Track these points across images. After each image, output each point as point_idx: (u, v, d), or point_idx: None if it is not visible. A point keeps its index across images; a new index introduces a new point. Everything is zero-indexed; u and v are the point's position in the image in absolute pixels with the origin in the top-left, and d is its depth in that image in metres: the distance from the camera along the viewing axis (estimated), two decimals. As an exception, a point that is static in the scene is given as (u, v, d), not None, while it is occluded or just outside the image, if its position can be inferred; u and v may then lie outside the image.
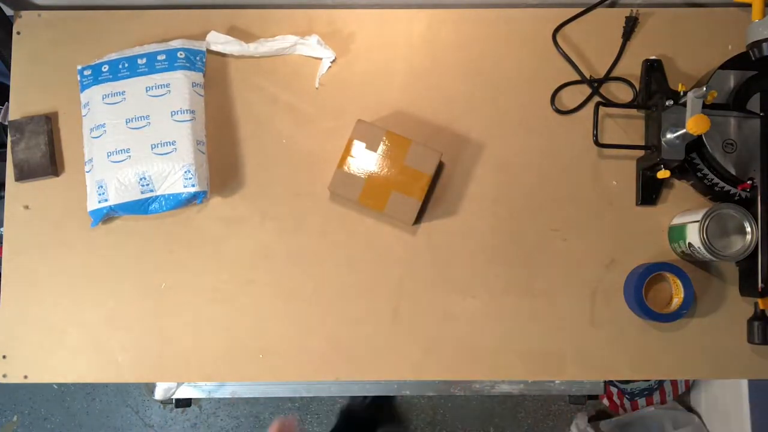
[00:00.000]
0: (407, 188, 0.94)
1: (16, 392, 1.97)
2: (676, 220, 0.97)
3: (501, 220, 0.99)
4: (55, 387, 1.98)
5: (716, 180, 0.93)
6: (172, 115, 0.94)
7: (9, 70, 1.04)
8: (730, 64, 0.94)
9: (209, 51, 1.02)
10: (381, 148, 0.94)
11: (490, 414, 1.96)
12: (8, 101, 1.03)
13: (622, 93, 1.02)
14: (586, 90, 1.02)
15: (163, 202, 0.94)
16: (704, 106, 0.86)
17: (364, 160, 0.94)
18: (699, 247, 0.89)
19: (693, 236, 0.90)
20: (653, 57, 1.00)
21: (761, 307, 0.92)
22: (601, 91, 1.02)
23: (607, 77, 1.02)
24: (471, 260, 0.97)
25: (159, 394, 1.48)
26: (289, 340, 0.96)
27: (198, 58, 0.99)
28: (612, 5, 1.05)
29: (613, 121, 1.00)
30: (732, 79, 0.93)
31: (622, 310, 0.97)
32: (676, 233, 0.95)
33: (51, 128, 1.01)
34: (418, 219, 0.97)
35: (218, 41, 1.01)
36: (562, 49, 1.02)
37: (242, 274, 0.98)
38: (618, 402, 1.77)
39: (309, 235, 0.99)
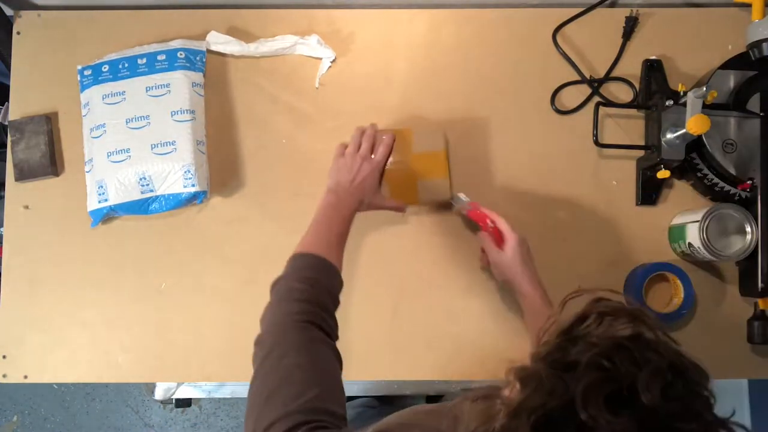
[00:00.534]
0: (429, 172, 0.93)
1: (16, 392, 1.96)
2: (676, 220, 0.97)
3: (501, 220, 0.99)
4: (55, 387, 1.98)
5: (716, 180, 0.93)
6: (172, 115, 0.94)
7: (9, 70, 1.04)
8: (730, 64, 0.94)
9: (209, 51, 1.02)
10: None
11: (490, 414, 1.96)
12: (8, 101, 1.03)
13: (622, 93, 1.02)
14: (586, 90, 1.02)
15: (163, 202, 0.94)
16: (704, 106, 0.86)
17: None
18: (699, 247, 0.89)
19: (693, 236, 0.90)
20: (653, 57, 1.00)
21: (761, 307, 0.92)
22: (601, 91, 1.02)
23: (607, 77, 1.02)
24: (471, 260, 0.97)
25: (159, 394, 1.48)
26: (289, 340, 0.96)
27: (198, 58, 0.99)
28: (612, 5, 1.05)
29: (613, 121, 1.00)
30: (732, 79, 0.93)
31: (622, 310, 0.97)
32: (676, 233, 0.95)
33: (51, 128, 1.01)
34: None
35: (218, 41, 1.01)
36: (562, 49, 1.02)
37: (242, 274, 0.98)
38: (618, 402, 1.78)
39: (309, 235, 0.99)
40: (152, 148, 0.93)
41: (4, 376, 0.96)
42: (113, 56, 0.99)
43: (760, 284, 0.88)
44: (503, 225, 0.87)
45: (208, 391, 1.50)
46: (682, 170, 0.97)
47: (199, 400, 1.95)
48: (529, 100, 1.02)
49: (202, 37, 1.01)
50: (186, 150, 0.93)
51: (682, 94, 0.91)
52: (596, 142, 0.97)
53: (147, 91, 0.95)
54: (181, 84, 0.96)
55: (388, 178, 0.92)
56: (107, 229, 0.99)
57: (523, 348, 0.95)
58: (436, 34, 1.04)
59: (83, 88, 0.99)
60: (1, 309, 0.98)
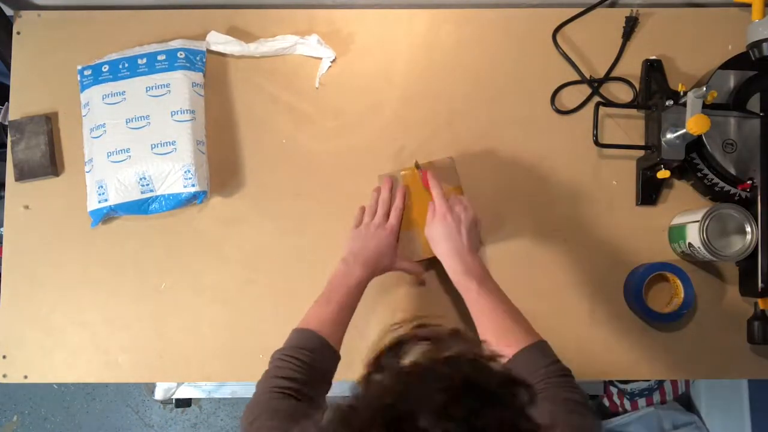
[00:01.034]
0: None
1: (16, 392, 1.96)
2: (676, 220, 0.97)
3: (501, 219, 0.99)
4: (55, 387, 1.98)
5: (716, 180, 0.93)
6: (172, 115, 0.94)
7: (9, 70, 1.04)
8: (730, 64, 0.94)
9: (209, 51, 1.02)
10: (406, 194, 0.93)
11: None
12: (8, 101, 1.03)
13: (622, 93, 1.02)
14: (586, 90, 1.02)
15: (163, 202, 0.94)
16: (704, 106, 0.86)
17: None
18: (699, 247, 0.89)
19: (693, 236, 0.90)
20: (653, 57, 1.00)
21: (761, 307, 0.92)
22: (601, 91, 1.02)
23: (607, 77, 1.02)
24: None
25: (159, 394, 1.48)
26: (289, 340, 0.96)
27: (198, 58, 0.99)
28: (612, 5, 1.05)
29: (613, 121, 1.00)
30: (732, 79, 0.93)
31: (622, 310, 0.97)
32: (676, 233, 0.95)
33: (51, 128, 1.01)
34: None
35: (218, 41, 1.01)
36: (562, 49, 1.02)
37: (242, 274, 0.98)
38: (618, 402, 1.77)
39: (309, 235, 0.99)
40: (152, 148, 0.93)
41: (4, 376, 0.96)
42: (113, 56, 0.99)
43: (760, 284, 0.88)
44: (435, 194, 0.86)
45: (208, 391, 1.51)
46: (682, 170, 0.97)
47: (199, 400, 1.95)
48: (529, 100, 1.02)
49: (202, 37, 1.01)
50: (186, 150, 0.93)
51: (682, 94, 0.91)
52: (596, 142, 0.97)
53: (147, 91, 0.95)
54: (181, 84, 0.96)
55: (416, 227, 0.92)
56: (107, 229, 0.99)
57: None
58: (435, 34, 1.04)
59: (83, 88, 0.99)
60: (1, 309, 0.98)
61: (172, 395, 1.50)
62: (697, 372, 0.98)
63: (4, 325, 0.98)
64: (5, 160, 1.01)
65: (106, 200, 0.94)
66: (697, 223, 0.89)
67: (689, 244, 0.92)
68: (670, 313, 0.93)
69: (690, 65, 1.01)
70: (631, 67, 1.02)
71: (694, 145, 0.92)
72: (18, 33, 1.04)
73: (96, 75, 0.98)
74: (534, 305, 0.96)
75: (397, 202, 0.91)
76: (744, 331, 0.94)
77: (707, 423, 1.62)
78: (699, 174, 0.95)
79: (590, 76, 1.02)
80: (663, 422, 1.65)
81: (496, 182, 1.00)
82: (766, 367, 0.95)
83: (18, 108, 1.02)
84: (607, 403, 1.81)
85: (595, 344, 0.96)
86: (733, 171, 0.91)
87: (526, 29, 1.04)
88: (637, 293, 0.93)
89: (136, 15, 1.04)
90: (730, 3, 1.00)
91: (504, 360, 0.45)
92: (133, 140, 0.93)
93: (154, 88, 0.95)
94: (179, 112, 0.94)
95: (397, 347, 0.46)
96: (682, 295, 0.92)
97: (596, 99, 1.00)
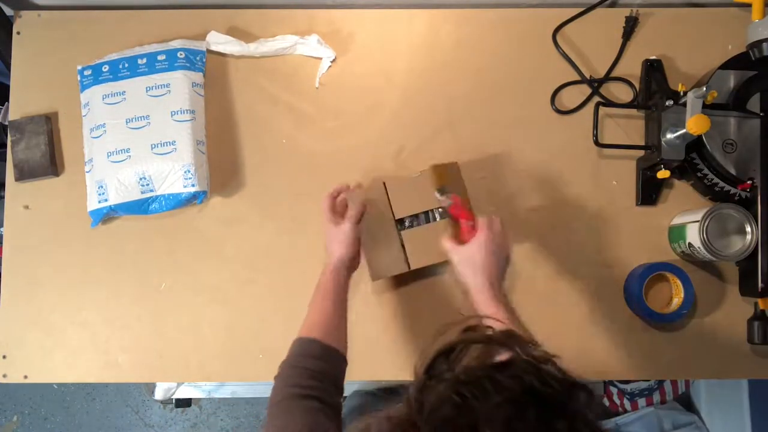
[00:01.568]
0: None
1: (16, 392, 1.96)
2: (676, 220, 0.96)
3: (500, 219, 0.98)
4: (55, 387, 1.98)
5: (716, 180, 0.93)
6: (172, 115, 0.94)
7: (9, 70, 1.04)
8: (730, 64, 0.94)
9: (209, 51, 1.02)
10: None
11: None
12: (8, 101, 1.03)
13: (622, 93, 1.02)
14: (586, 90, 1.02)
15: (163, 202, 0.94)
16: (704, 106, 0.86)
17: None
18: (699, 247, 0.89)
19: (693, 236, 0.90)
20: (653, 57, 1.00)
21: (761, 307, 0.92)
22: (601, 91, 1.02)
23: (607, 77, 1.02)
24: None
25: (159, 394, 1.48)
26: (289, 340, 0.96)
27: (198, 58, 0.99)
28: (612, 5, 1.05)
29: (613, 121, 1.00)
30: (732, 79, 0.93)
31: (622, 310, 0.97)
32: (676, 233, 0.95)
33: (51, 128, 1.01)
34: None
35: (218, 41, 1.01)
36: (562, 49, 1.02)
37: (242, 274, 0.98)
38: (618, 402, 1.77)
39: (309, 235, 0.99)
40: (152, 148, 0.93)
41: (4, 376, 0.96)
42: (113, 56, 0.99)
43: (760, 284, 0.88)
44: (481, 222, 0.83)
45: (208, 391, 1.51)
46: (682, 170, 0.97)
47: (199, 400, 1.95)
48: (529, 100, 1.02)
49: (202, 37, 1.01)
50: (186, 150, 0.93)
51: (682, 94, 0.91)
52: (596, 142, 0.97)
53: (147, 91, 0.95)
54: (181, 84, 0.96)
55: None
56: (107, 229, 0.99)
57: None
58: (435, 34, 1.04)
59: (83, 88, 0.99)
60: (1, 309, 0.98)
61: (172, 395, 1.50)
62: (697, 372, 0.98)
63: (4, 325, 0.98)
64: (5, 160, 1.01)
65: (106, 200, 0.94)
66: (697, 223, 0.89)
67: (689, 244, 0.92)
68: (670, 313, 0.93)
69: (690, 65, 1.01)
70: (631, 67, 1.02)
71: (694, 145, 0.92)
72: (18, 33, 1.04)
73: (96, 75, 0.98)
74: (534, 305, 0.96)
75: (356, 196, 0.89)
76: (744, 331, 0.94)
77: (707, 423, 1.62)
78: (699, 174, 0.95)
79: (590, 76, 1.02)
80: (663, 422, 1.65)
81: (495, 182, 1.00)
82: (766, 367, 0.95)
83: (18, 108, 1.02)
84: (607, 403, 1.81)
85: (595, 344, 0.96)
86: (733, 171, 0.91)
87: (526, 29, 1.04)
88: (637, 293, 0.93)
89: (136, 15, 1.04)
90: (730, 3, 1.00)
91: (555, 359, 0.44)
92: (133, 140, 0.93)
93: (154, 88, 0.95)
94: (179, 112, 0.94)
95: (449, 352, 0.44)
96: (682, 295, 0.92)
97: (596, 99, 1.00)
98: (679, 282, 0.93)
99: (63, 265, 0.99)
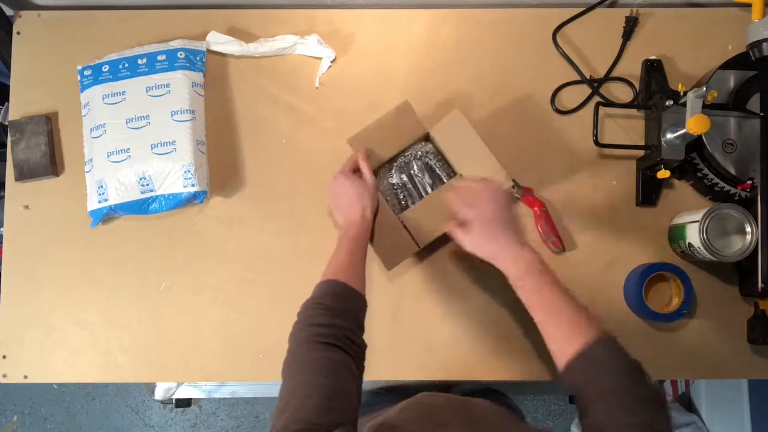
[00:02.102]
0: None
1: (16, 392, 1.97)
2: (676, 220, 0.96)
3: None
4: (55, 387, 1.98)
5: (716, 180, 0.93)
6: (172, 115, 0.94)
7: (9, 70, 1.04)
8: (730, 64, 0.94)
9: (209, 51, 1.02)
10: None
11: (490, 414, 1.96)
12: (8, 101, 1.03)
13: (622, 93, 1.02)
14: (586, 90, 1.02)
15: (163, 202, 0.94)
16: (704, 106, 0.86)
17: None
18: (699, 247, 0.89)
19: (693, 236, 0.90)
20: (653, 57, 1.00)
21: (761, 307, 0.92)
22: (601, 91, 1.02)
23: (607, 77, 1.02)
24: (471, 260, 0.97)
25: (159, 394, 1.48)
26: (289, 340, 0.96)
27: (198, 58, 0.99)
28: (612, 5, 1.05)
29: (613, 121, 1.00)
30: (732, 79, 0.93)
31: (622, 310, 0.97)
32: (676, 233, 0.95)
33: (51, 128, 1.01)
34: None
35: (218, 41, 1.01)
36: (562, 49, 1.02)
37: (242, 274, 0.98)
38: (618, 402, 1.78)
39: (309, 235, 0.99)
40: (152, 148, 0.93)
41: (4, 376, 0.96)
42: (113, 56, 0.99)
43: (760, 284, 0.88)
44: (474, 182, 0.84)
45: (208, 391, 1.51)
46: (682, 170, 0.97)
47: (199, 400, 1.96)
48: (529, 100, 1.02)
49: (202, 37, 1.02)
50: (186, 150, 0.93)
51: (682, 94, 0.91)
52: (596, 142, 0.97)
53: (147, 91, 0.95)
54: (181, 84, 0.96)
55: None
56: (107, 229, 0.99)
57: (523, 348, 0.95)
58: (435, 33, 1.04)
59: (83, 88, 0.99)
60: (1, 309, 0.98)
61: (172, 395, 1.50)
62: (697, 372, 0.98)
63: (4, 325, 0.98)
64: (5, 160, 1.01)
65: (106, 200, 0.94)
66: (697, 223, 0.89)
67: (689, 244, 0.92)
68: (670, 313, 0.93)
69: (690, 65, 1.01)
70: (631, 67, 1.02)
71: (694, 145, 0.92)
72: (18, 33, 1.04)
73: (96, 75, 0.98)
74: (534, 305, 0.96)
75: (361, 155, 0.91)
76: (744, 331, 0.94)
77: (707, 423, 1.62)
78: (699, 174, 0.95)
79: (590, 76, 1.02)
80: (663, 422, 1.65)
81: (496, 182, 1.00)
82: (766, 367, 0.95)
83: (18, 108, 1.02)
84: (607, 403, 1.80)
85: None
86: (733, 171, 0.91)
87: (526, 29, 1.04)
88: (637, 293, 0.93)
89: (136, 15, 1.04)
90: (730, 3, 1.00)
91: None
92: (133, 140, 0.93)
93: (154, 88, 0.95)
94: (179, 112, 0.94)
95: None
96: (682, 295, 0.92)
97: (596, 99, 1.00)
98: (679, 282, 0.93)
99: (63, 265, 0.99)
